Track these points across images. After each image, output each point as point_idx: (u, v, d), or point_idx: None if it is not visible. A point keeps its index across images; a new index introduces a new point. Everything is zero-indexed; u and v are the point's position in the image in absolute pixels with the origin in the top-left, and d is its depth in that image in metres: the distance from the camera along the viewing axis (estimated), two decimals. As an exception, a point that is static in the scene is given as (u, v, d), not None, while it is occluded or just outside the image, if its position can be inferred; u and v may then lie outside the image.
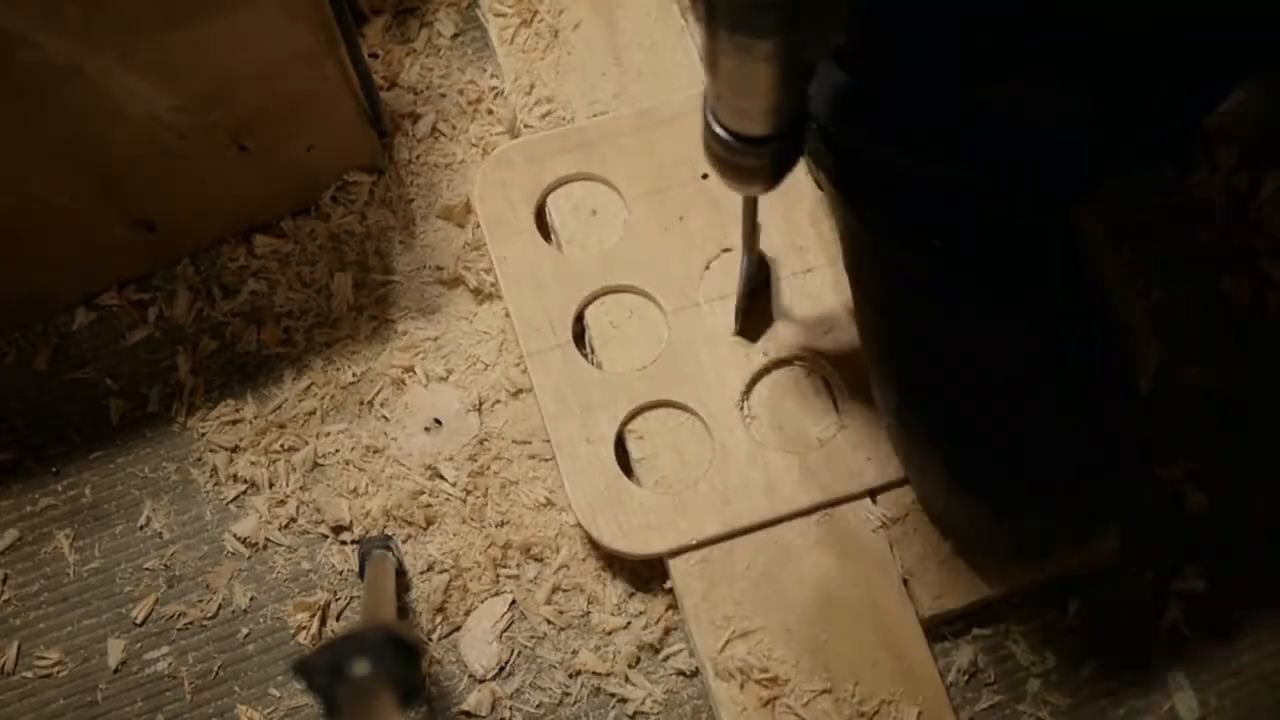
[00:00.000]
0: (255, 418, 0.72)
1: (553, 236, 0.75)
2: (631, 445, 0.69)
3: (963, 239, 0.62)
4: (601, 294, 0.72)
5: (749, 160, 0.52)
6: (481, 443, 0.71)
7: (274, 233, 0.76)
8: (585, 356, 0.71)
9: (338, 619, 0.69)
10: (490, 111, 0.79)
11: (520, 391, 0.72)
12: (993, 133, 0.56)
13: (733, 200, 0.63)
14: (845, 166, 0.65)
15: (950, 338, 0.63)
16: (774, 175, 0.54)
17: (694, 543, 0.66)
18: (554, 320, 0.71)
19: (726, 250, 0.72)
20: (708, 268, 0.72)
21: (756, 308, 0.69)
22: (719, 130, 0.51)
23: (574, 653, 0.68)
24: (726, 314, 0.70)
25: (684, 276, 0.72)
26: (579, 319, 0.72)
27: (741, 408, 0.69)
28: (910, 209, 0.63)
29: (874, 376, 0.67)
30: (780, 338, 0.71)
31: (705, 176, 0.73)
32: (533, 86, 0.78)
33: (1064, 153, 0.57)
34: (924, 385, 0.64)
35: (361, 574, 0.68)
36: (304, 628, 0.68)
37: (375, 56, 0.79)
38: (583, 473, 0.68)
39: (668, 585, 0.68)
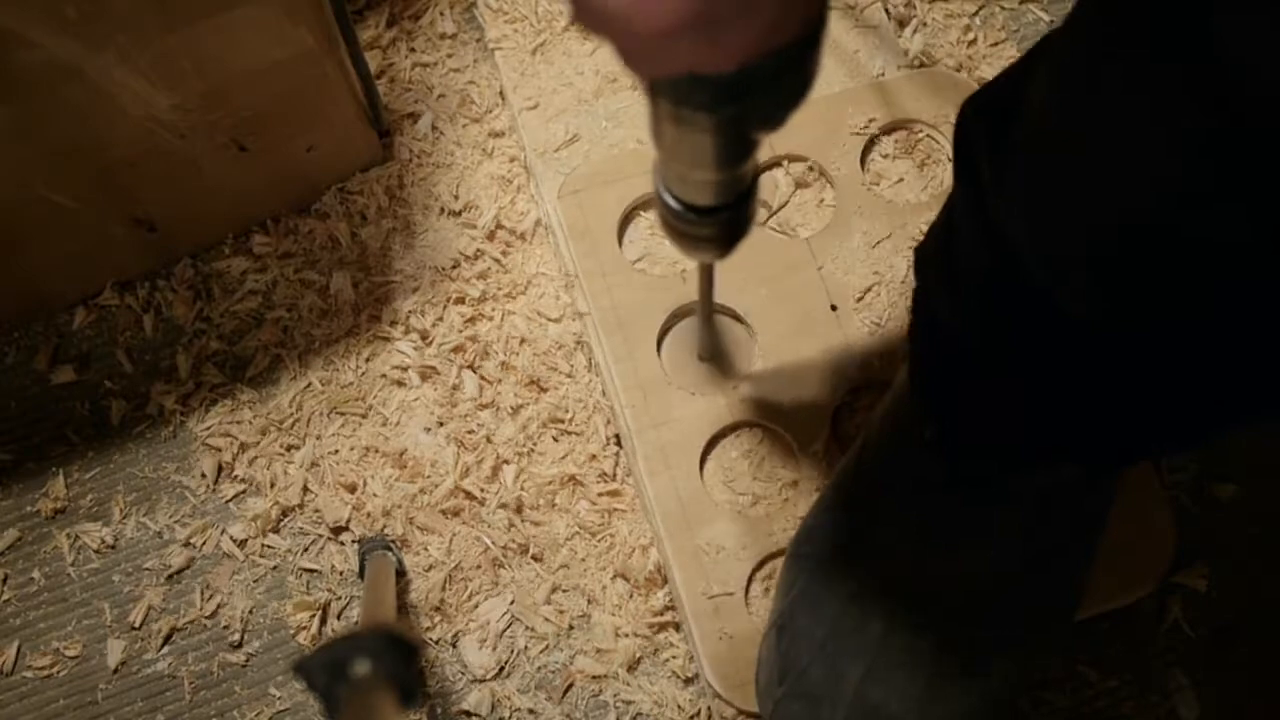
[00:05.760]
0: (255, 418, 0.72)
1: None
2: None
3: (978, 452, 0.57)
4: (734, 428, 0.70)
5: (700, 230, 0.51)
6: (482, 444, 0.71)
7: (274, 232, 0.76)
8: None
9: (338, 619, 0.69)
10: (490, 110, 0.79)
11: (519, 398, 0.72)
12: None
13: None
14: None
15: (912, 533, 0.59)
16: (724, 244, 0.53)
17: None
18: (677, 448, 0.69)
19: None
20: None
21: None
22: (669, 199, 0.51)
23: (574, 653, 0.68)
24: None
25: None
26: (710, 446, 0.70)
27: None
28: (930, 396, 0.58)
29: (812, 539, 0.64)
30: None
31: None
32: (530, 86, 0.78)
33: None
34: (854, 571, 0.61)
35: (361, 574, 0.68)
36: (304, 628, 0.68)
37: (374, 54, 0.79)
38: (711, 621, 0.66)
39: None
